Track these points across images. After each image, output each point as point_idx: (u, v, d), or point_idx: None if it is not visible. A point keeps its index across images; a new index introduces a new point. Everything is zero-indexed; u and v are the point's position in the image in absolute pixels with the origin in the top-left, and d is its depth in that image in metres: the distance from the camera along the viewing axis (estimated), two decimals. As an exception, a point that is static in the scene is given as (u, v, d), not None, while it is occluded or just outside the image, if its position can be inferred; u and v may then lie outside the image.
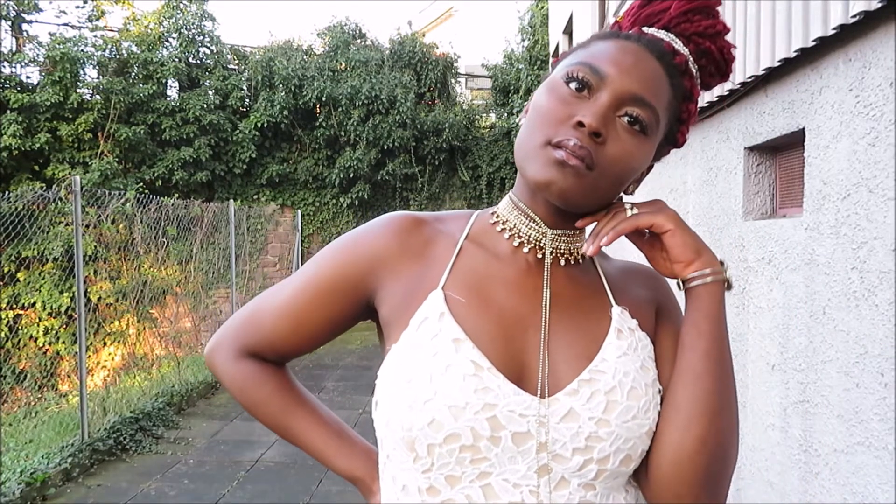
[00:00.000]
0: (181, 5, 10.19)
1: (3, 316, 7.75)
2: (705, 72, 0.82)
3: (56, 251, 7.47)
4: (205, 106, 9.73)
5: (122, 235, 7.68)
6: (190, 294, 8.51)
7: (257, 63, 10.45)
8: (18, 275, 7.99)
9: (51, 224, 7.44)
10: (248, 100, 10.66)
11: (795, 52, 2.08)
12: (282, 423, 0.91)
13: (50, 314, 7.95)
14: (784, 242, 2.28)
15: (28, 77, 9.25)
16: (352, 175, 10.31)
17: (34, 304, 7.90)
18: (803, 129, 2.16)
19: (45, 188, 7.28)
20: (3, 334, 7.56)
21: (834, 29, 1.84)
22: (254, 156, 10.28)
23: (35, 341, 7.90)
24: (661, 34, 0.78)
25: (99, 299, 7.67)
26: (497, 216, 0.84)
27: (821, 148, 2.04)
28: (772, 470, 2.37)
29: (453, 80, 11.89)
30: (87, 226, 7.07)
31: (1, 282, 7.82)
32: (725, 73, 0.83)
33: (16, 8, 9.15)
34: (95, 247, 7.37)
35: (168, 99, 9.90)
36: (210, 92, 10.12)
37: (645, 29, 0.79)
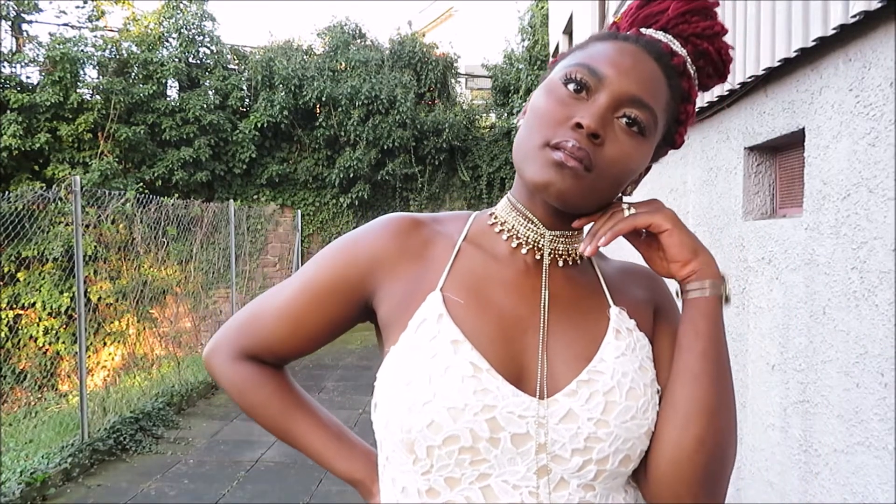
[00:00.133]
0: (181, 5, 10.19)
1: (3, 316, 7.75)
2: (703, 73, 0.82)
3: (56, 251, 7.46)
4: (205, 106, 9.73)
5: (122, 235, 7.68)
6: (190, 294, 8.51)
7: (257, 63, 10.45)
8: (18, 275, 7.99)
9: (51, 224, 7.44)
10: (248, 100, 10.65)
11: (795, 52, 2.08)
12: (281, 425, 0.91)
13: (50, 314, 7.95)
14: (784, 242, 2.28)
15: (28, 77, 9.26)
16: (352, 175, 10.31)
17: (34, 304, 7.90)
18: (803, 129, 2.16)
19: (45, 188, 7.28)
20: (3, 334, 7.56)
21: (834, 29, 1.83)
22: (254, 156, 10.28)
23: (35, 341, 7.90)
24: (660, 35, 0.78)
25: (99, 299, 7.67)
26: (495, 217, 0.83)
27: (821, 148, 2.04)
28: (772, 470, 2.37)
29: (453, 80, 11.88)
30: (87, 226, 7.07)
31: (1, 282, 7.82)
32: (723, 74, 0.83)
33: (16, 8, 9.15)
34: (95, 247, 7.37)
35: (168, 99, 9.89)
36: (210, 92, 10.12)
37: (643, 30, 0.79)
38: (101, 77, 9.36)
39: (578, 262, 0.83)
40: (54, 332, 7.95)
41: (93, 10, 9.76)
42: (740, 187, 2.67)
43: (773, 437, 2.36)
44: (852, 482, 1.84)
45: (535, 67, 11.70)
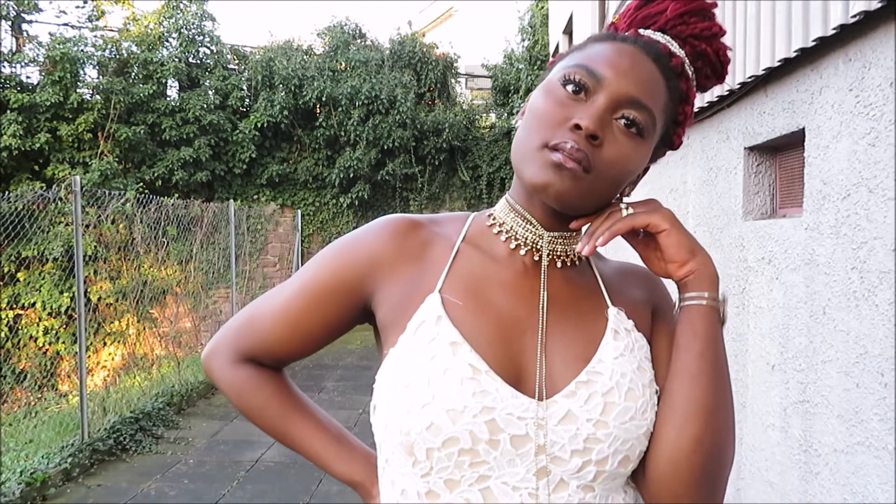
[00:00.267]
0: (181, 5, 10.19)
1: (3, 316, 7.75)
2: (701, 74, 0.82)
3: (56, 251, 7.46)
4: (205, 106, 9.73)
5: (122, 235, 7.68)
6: (190, 294, 8.51)
7: (257, 63, 10.45)
8: (18, 275, 7.99)
9: (51, 224, 7.44)
10: (248, 100, 10.65)
11: (795, 52, 2.08)
12: (280, 428, 0.90)
13: (50, 314, 7.95)
14: (784, 242, 2.28)
15: (28, 77, 9.26)
16: (352, 175, 10.31)
17: (34, 304, 7.90)
18: (803, 129, 2.16)
19: (45, 188, 7.28)
20: (3, 334, 7.56)
21: (834, 29, 1.83)
22: (254, 156, 10.28)
23: (35, 341, 7.90)
24: (658, 36, 0.78)
25: (99, 299, 7.67)
26: (494, 218, 0.83)
27: (821, 148, 2.04)
28: (772, 470, 2.37)
29: (453, 80, 11.88)
30: (87, 226, 7.07)
31: (1, 282, 7.82)
32: (721, 75, 0.83)
33: (16, 8, 9.15)
34: (95, 247, 7.37)
35: (168, 99, 9.89)
36: (210, 92, 10.11)
37: (641, 31, 0.79)
38: (101, 77, 9.36)
39: (577, 262, 0.83)
40: (54, 332, 7.95)
41: (93, 10, 9.77)
42: (740, 187, 2.67)
43: (773, 437, 2.36)
44: (852, 482, 1.84)
45: (535, 67, 11.69)
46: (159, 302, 8.12)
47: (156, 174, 9.57)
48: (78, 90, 9.05)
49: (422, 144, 10.75)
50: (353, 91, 10.23)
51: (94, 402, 5.09)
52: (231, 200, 8.76)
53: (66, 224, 7.24)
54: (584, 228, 0.79)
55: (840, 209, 1.91)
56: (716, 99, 2.79)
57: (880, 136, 1.71)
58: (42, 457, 4.22)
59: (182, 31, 10.08)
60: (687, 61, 0.79)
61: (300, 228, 10.71)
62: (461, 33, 14.52)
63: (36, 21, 11.14)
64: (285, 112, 10.22)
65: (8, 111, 8.54)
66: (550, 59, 0.83)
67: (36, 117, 8.76)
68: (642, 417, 0.74)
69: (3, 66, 8.94)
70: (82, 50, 9.14)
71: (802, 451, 2.14)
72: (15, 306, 7.91)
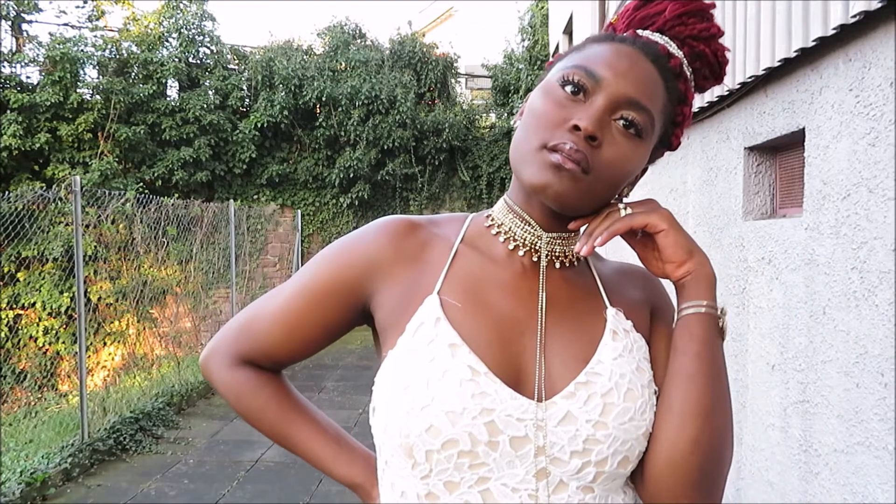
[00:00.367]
0: (181, 5, 10.19)
1: (3, 316, 7.75)
2: (699, 74, 0.82)
3: (56, 251, 7.47)
4: (205, 106, 9.73)
5: (122, 235, 7.67)
6: (190, 294, 8.51)
7: (257, 63, 10.45)
8: (18, 275, 7.99)
9: (51, 224, 7.44)
10: (248, 100, 10.65)
11: (795, 52, 2.07)
12: (279, 430, 0.90)
13: (50, 314, 7.95)
14: (784, 242, 2.28)
15: (28, 77, 9.26)
16: (352, 175, 10.31)
17: (34, 304, 7.90)
18: (803, 129, 2.16)
19: (45, 188, 7.28)
20: (3, 334, 7.56)
21: (834, 29, 1.83)
22: (254, 156, 10.28)
23: (35, 341, 7.90)
24: (656, 37, 0.78)
25: (99, 299, 7.67)
26: (492, 219, 0.83)
27: (821, 148, 2.04)
28: (772, 470, 2.37)
29: (453, 80, 11.88)
30: (87, 226, 7.07)
31: (1, 282, 7.82)
32: (719, 76, 0.83)
33: (16, 8, 9.15)
34: (95, 247, 7.37)
35: (168, 99, 9.89)
36: (210, 92, 10.11)
37: (639, 31, 0.79)
38: (101, 77, 9.36)
39: (575, 263, 0.83)
40: (54, 332, 7.96)
41: (93, 10, 9.77)
42: (740, 187, 2.67)
43: (773, 437, 2.36)
44: (852, 482, 1.84)
45: (535, 67, 11.69)
46: (159, 302, 8.12)
47: (156, 174, 9.58)
48: (78, 90, 9.06)
49: (422, 144, 10.75)
50: (353, 91, 10.23)
51: (94, 402, 5.09)
52: (231, 200, 8.76)
53: (66, 224, 7.24)
54: (582, 229, 0.79)
55: (840, 209, 1.91)
56: (716, 99, 2.79)
57: (880, 136, 1.71)
58: (42, 457, 4.22)
59: (182, 31, 10.08)
60: (685, 62, 0.79)
61: (300, 228, 10.71)
62: (461, 33, 14.52)
63: (36, 21, 11.17)
64: (285, 112, 10.22)
65: (8, 111, 8.54)
66: (549, 60, 0.83)
67: (36, 117, 8.76)
68: (641, 418, 0.74)
69: (3, 66, 8.94)
70: (82, 50, 9.14)
71: (802, 451, 2.14)
72: (15, 306, 7.91)
